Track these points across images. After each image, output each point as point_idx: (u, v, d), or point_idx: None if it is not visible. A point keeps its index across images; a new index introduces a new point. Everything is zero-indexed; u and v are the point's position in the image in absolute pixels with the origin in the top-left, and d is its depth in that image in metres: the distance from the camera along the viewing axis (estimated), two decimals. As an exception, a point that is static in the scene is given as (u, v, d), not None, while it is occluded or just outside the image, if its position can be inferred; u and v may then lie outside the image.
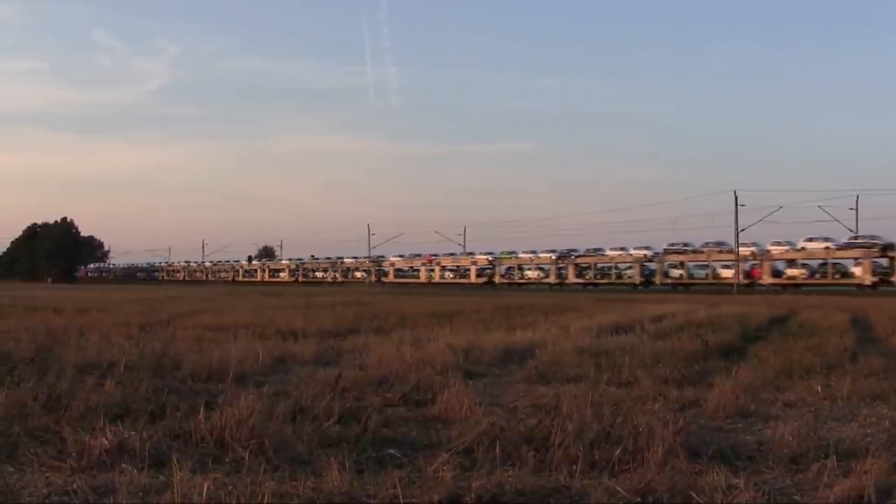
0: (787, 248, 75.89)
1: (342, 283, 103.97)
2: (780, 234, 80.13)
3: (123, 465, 5.45)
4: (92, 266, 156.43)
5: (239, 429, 6.19)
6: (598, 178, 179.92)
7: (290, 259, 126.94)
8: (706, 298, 42.08)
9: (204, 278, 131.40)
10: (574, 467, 5.51)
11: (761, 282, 74.73)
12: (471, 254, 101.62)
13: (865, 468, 5.46)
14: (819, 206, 76.70)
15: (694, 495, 4.96)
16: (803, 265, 75.09)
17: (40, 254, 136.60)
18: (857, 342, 15.13)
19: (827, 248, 73.61)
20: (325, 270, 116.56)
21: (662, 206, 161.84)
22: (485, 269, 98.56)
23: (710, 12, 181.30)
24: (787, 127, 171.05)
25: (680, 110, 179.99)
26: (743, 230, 78.50)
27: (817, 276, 73.41)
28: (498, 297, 44.95)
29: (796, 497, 5.19)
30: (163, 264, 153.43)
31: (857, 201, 77.52)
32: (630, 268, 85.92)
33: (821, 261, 74.40)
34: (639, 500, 4.96)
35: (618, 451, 5.79)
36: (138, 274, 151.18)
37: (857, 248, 71.92)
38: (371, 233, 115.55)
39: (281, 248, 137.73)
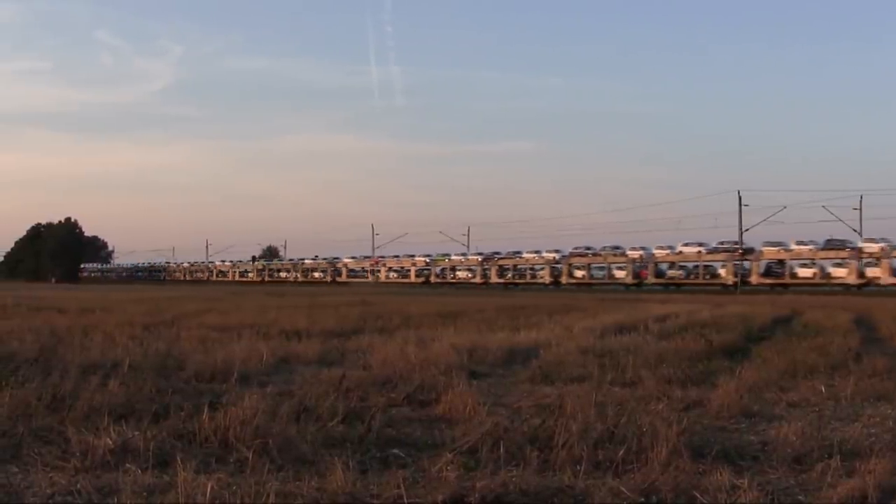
0: (668, 251, 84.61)
1: (302, 283, 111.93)
2: (784, 235, 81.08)
3: (127, 465, 5.45)
4: (92, 266, 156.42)
5: (243, 429, 6.19)
6: (602, 177, 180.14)
7: (256, 261, 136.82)
8: (709, 298, 42.01)
9: (182, 278, 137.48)
10: (578, 467, 5.51)
11: (647, 281, 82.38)
12: (411, 256, 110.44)
13: (869, 468, 5.45)
14: (823, 206, 77.49)
15: (697, 495, 4.96)
16: (681, 267, 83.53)
17: (44, 254, 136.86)
18: (861, 342, 15.09)
19: (699, 252, 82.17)
20: (287, 271, 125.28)
21: (666, 206, 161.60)
22: (423, 269, 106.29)
23: (713, 12, 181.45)
24: (792, 127, 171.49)
25: (684, 110, 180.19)
26: (747, 230, 79.54)
27: (692, 276, 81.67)
28: (501, 297, 44.99)
29: (800, 497, 5.19)
30: (146, 265, 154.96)
31: (860, 201, 77.97)
32: (543, 268, 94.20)
33: (694, 263, 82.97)
34: (642, 500, 4.96)
35: (621, 452, 5.78)
36: (137, 273, 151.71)
37: (723, 251, 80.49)
38: (375, 233, 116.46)
39: (285, 248, 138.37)
